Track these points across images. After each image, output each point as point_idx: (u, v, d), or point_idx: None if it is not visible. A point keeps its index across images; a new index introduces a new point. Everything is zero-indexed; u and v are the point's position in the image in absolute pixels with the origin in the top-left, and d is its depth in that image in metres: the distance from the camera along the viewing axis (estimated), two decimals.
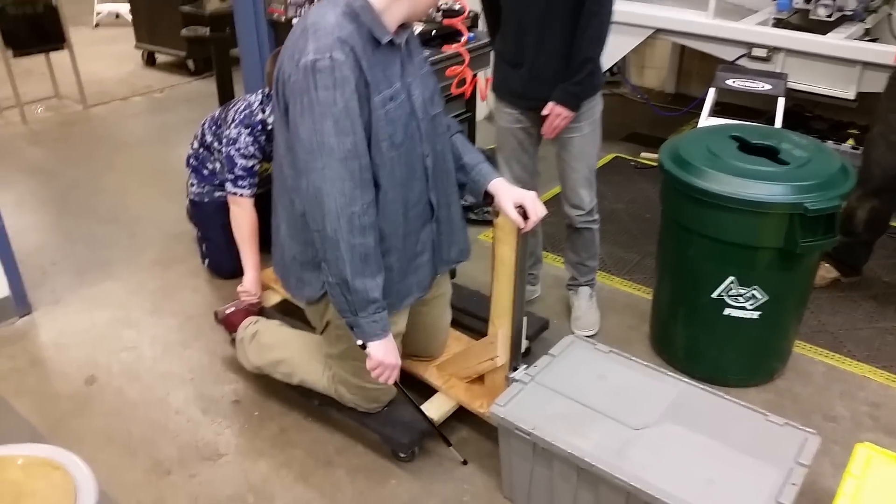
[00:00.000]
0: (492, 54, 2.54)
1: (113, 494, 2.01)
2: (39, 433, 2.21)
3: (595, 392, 1.94)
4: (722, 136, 2.36)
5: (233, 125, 2.60)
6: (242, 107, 2.64)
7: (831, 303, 2.88)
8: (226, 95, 4.11)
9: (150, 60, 5.97)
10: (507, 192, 1.88)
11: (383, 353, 1.83)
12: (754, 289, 2.22)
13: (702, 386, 1.97)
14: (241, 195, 2.59)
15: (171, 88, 5.42)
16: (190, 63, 5.63)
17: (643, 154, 4.03)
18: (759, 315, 2.26)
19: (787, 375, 2.49)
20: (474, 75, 3.33)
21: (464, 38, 3.22)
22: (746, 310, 2.26)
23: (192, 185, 2.93)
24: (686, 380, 1.99)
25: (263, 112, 2.60)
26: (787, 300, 2.28)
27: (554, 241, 3.21)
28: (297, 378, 2.17)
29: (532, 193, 1.88)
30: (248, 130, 2.58)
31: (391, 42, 1.71)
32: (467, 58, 3.20)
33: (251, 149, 2.58)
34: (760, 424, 1.85)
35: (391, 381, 1.90)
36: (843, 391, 2.43)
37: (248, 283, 2.56)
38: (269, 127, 2.61)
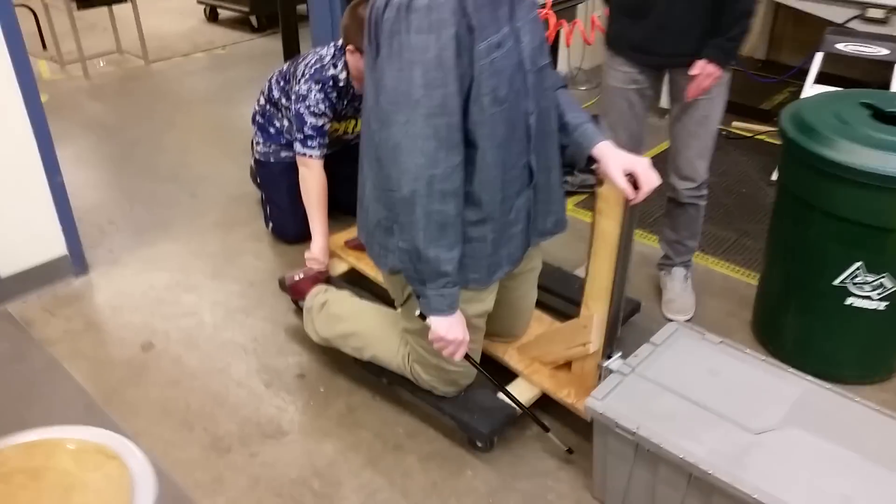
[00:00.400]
0: (582, 6, 2.27)
1: (169, 472, 1.87)
2: (94, 402, 2.09)
3: (706, 388, 1.70)
4: (852, 103, 2.06)
5: (302, 80, 2.42)
6: (313, 60, 2.45)
7: None
8: (292, 52, 3.92)
9: (212, 16, 5.83)
10: (615, 158, 1.64)
11: (446, 329, 1.65)
12: (883, 276, 1.95)
13: (827, 385, 1.72)
14: (310, 156, 2.41)
15: (233, 45, 5.27)
16: (253, 19, 5.46)
17: (735, 123, 3.70)
18: (887, 305, 1.99)
19: None
20: (558, 20, 3.07)
21: None
22: (872, 300, 1.99)
23: (258, 143, 2.76)
24: (809, 378, 1.74)
25: (335, 67, 2.40)
26: None
27: (640, 216, 2.95)
28: (368, 353, 1.99)
29: (645, 160, 1.64)
30: (319, 86, 2.39)
31: None
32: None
33: (321, 106, 2.39)
34: None
35: (457, 358, 1.72)
36: None
37: (317, 251, 2.38)
38: (341, 84, 2.42)
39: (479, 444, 1.92)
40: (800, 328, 2.17)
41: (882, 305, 1.99)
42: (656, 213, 2.98)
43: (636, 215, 1.71)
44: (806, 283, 2.09)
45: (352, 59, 2.34)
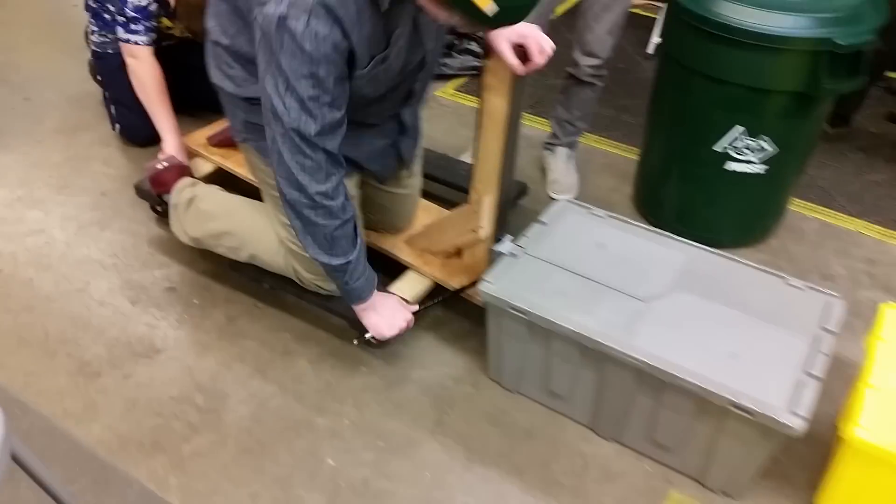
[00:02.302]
0: None
1: (34, 404, 1.69)
2: None
3: (596, 262, 1.69)
4: None
5: None
6: None
7: (819, 155, 2.67)
8: None
9: None
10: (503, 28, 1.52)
11: (378, 320, 1.67)
12: (763, 139, 1.97)
13: (710, 249, 1.75)
14: (135, 43, 2.15)
15: None
16: None
17: None
18: (766, 169, 2.03)
19: (780, 234, 2.31)
20: None
21: None
22: (752, 163, 2.02)
23: (93, 33, 2.42)
24: (693, 244, 1.76)
25: None
26: (795, 151, 2.05)
27: (525, 97, 2.87)
28: (245, 253, 1.84)
29: (535, 27, 1.52)
30: None
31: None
32: None
33: None
34: (780, 289, 1.65)
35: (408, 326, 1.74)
36: (838, 248, 2.28)
37: (171, 150, 2.15)
38: None
39: (373, 341, 1.84)
40: (681, 197, 2.20)
41: (761, 169, 2.03)
42: (541, 94, 2.91)
43: (525, 90, 1.61)
44: (687, 152, 2.10)
45: None
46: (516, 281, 1.63)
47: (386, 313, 1.69)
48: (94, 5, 2.38)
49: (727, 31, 1.82)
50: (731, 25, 1.81)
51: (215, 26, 1.57)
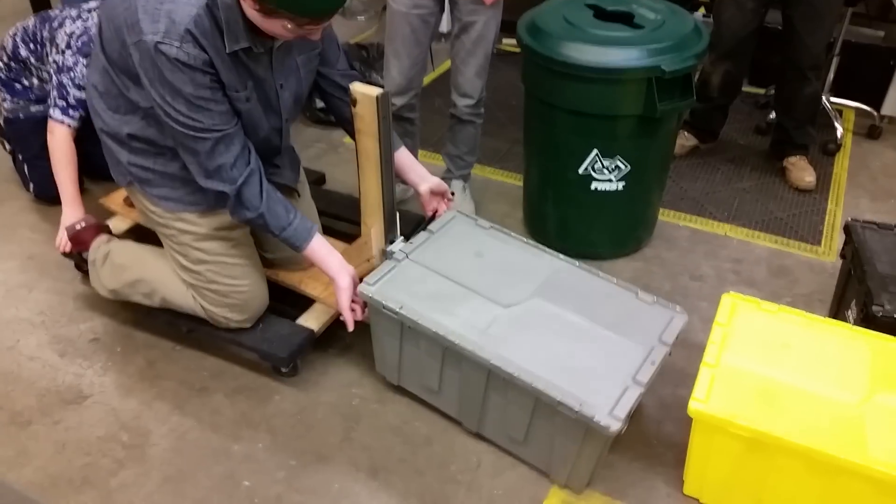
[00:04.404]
0: None
1: None
2: None
3: (471, 269, 1.87)
4: (578, 5, 2.30)
5: (68, 52, 2.35)
6: (79, 32, 2.38)
7: (692, 169, 2.98)
8: (41, 7, 3.62)
9: None
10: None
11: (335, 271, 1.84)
12: (617, 159, 2.23)
13: (577, 263, 1.94)
14: (67, 125, 2.34)
15: None
16: None
17: (504, 41, 3.93)
18: (624, 185, 2.29)
19: (653, 243, 2.57)
20: None
21: None
22: (612, 182, 2.28)
23: (4, 101, 2.60)
24: (563, 257, 1.96)
25: None
26: (649, 168, 2.31)
27: (425, 137, 3.11)
28: (157, 298, 2.01)
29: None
30: (87, 60, 2.32)
31: (249, 49, 1.64)
32: None
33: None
34: (630, 302, 1.82)
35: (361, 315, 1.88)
36: (707, 251, 2.54)
37: (67, 220, 2.25)
38: None
39: (283, 370, 2.02)
40: (557, 217, 2.45)
41: (620, 186, 2.29)
42: (438, 133, 3.15)
43: (391, 128, 1.83)
44: (557, 176, 2.35)
45: None
46: (393, 283, 1.82)
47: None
48: (3, 77, 2.56)
49: (572, 69, 2.08)
50: (574, 63, 2.07)
51: (99, 80, 1.80)
